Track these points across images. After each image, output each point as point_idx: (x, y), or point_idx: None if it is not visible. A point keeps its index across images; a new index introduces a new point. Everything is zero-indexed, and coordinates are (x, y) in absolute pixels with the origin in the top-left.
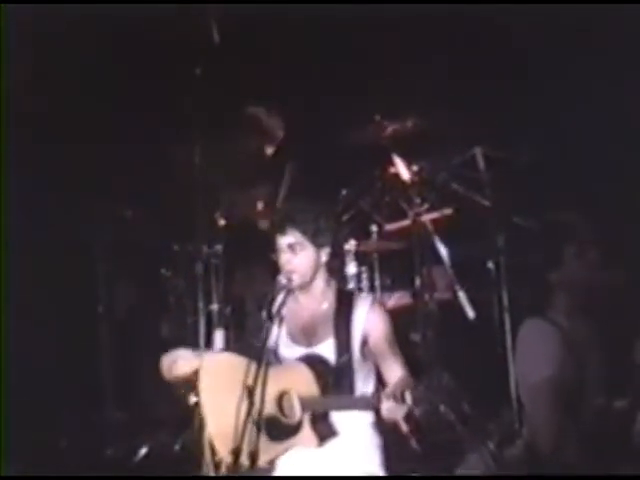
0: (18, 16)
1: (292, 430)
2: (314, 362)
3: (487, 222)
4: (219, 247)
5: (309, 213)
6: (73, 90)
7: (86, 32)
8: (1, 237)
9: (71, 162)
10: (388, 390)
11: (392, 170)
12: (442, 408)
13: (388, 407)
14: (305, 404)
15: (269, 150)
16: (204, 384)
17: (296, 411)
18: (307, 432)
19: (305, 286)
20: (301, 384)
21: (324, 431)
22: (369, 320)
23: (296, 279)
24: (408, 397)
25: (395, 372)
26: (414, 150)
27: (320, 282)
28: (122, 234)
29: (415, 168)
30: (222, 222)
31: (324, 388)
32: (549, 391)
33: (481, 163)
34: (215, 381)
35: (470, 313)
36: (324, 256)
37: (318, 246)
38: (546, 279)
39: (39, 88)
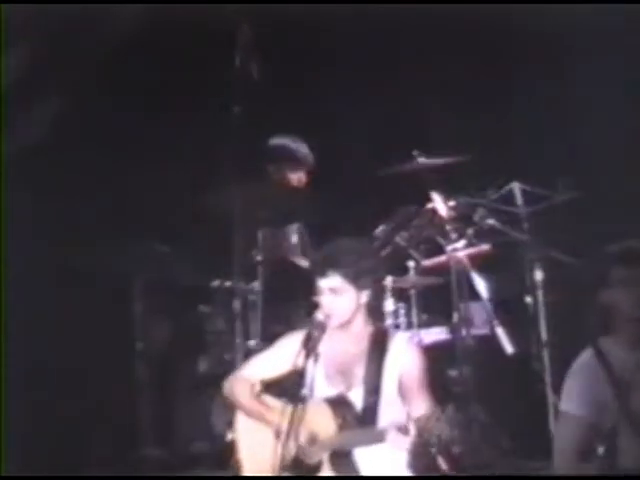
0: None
1: (312, 470)
2: (338, 404)
3: (525, 257)
4: (256, 284)
5: (351, 255)
6: (104, 120)
7: (118, 63)
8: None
9: (107, 197)
10: (398, 422)
11: (429, 205)
12: (480, 444)
13: (392, 437)
14: (321, 443)
15: (300, 177)
16: (240, 424)
17: (314, 451)
18: (327, 472)
19: (343, 326)
20: (319, 424)
21: (344, 470)
22: (404, 360)
23: (335, 320)
24: (412, 428)
25: (420, 411)
26: (451, 185)
27: (359, 322)
28: (160, 271)
29: (452, 203)
30: (259, 258)
31: (341, 427)
32: (565, 425)
33: (518, 198)
34: (251, 421)
35: (508, 349)
36: (364, 297)
37: (359, 288)
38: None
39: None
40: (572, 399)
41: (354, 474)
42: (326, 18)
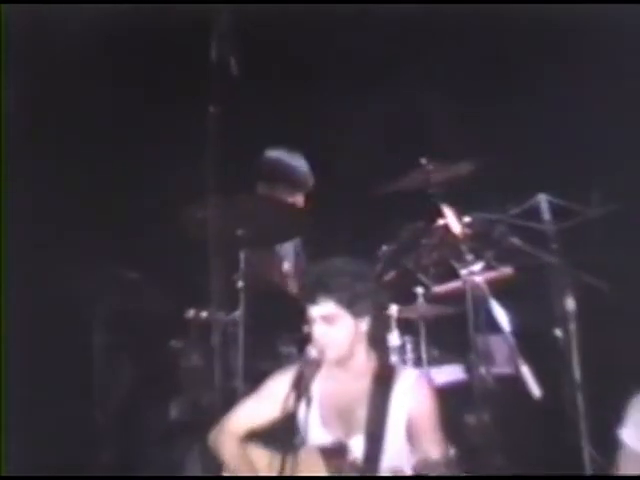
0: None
1: None
2: (334, 453)
3: (553, 282)
4: (238, 313)
5: (344, 277)
6: (72, 135)
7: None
8: None
9: (64, 211)
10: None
11: (440, 222)
12: None
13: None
14: None
15: (297, 200)
16: (227, 472)
17: None
18: None
19: (343, 361)
20: (312, 475)
21: None
22: (413, 401)
23: (331, 353)
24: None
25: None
26: (466, 198)
27: (360, 356)
28: (124, 299)
29: (467, 219)
30: (241, 284)
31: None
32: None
33: (546, 213)
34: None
35: (535, 391)
36: (364, 325)
37: (356, 315)
38: None
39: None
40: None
41: None
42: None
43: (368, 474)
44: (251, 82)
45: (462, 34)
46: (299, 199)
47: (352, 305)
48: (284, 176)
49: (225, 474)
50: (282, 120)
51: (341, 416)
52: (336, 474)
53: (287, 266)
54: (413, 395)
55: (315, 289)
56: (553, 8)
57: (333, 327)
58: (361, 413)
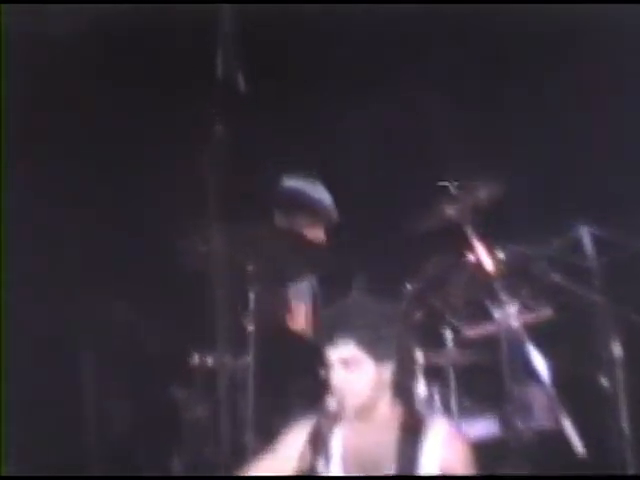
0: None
1: None
2: None
3: (598, 324)
4: (248, 359)
5: (366, 316)
6: (71, 160)
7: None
8: None
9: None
10: None
11: (471, 256)
12: None
13: None
14: None
15: (317, 235)
16: None
17: None
18: None
19: (364, 412)
20: None
21: None
22: (445, 455)
23: (351, 403)
24: None
25: None
26: (500, 230)
27: (383, 406)
28: (121, 341)
29: (501, 254)
30: (251, 326)
31: None
32: None
33: (589, 246)
34: None
35: (579, 447)
36: (387, 371)
37: (379, 359)
38: None
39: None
40: None
41: None
42: (337, 17)
43: None
44: (261, 98)
45: (482, 44)
46: (319, 234)
47: (375, 348)
48: (305, 208)
49: None
50: (296, 141)
51: (365, 471)
52: None
53: (302, 306)
54: (446, 449)
55: (334, 328)
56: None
57: (353, 372)
58: (389, 469)
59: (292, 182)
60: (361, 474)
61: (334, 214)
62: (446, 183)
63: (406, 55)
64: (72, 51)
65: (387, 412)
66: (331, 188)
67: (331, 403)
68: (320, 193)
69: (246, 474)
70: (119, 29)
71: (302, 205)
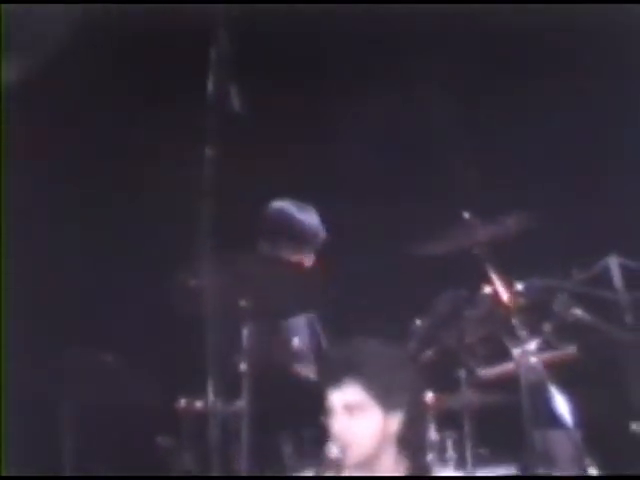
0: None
1: None
2: None
3: (628, 364)
4: (240, 403)
5: (377, 360)
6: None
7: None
8: None
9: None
10: None
11: (487, 289)
12: None
13: None
14: None
15: (304, 260)
16: None
17: None
18: None
19: (366, 465)
20: None
21: None
22: None
23: (353, 453)
24: None
25: None
26: (519, 261)
27: (388, 458)
28: (101, 387)
29: (520, 287)
30: (243, 366)
31: None
32: None
33: (617, 278)
34: None
35: None
36: (395, 423)
37: (387, 408)
38: None
39: None
40: None
41: None
42: (340, 27)
43: None
44: (256, 119)
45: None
46: (307, 259)
47: (384, 395)
48: (288, 231)
49: None
50: (293, 164)
51: None
52: None
53: (299, 344)
54: None
55: (340, 370)
56: None
57: (358, 419)
58: None
59: (277, 205)
60: None
61: (321, 234)
62: (463, 211)
63: (418, 73)
64: (61, 66)
65: (390, 466)
66: (330, 213)
67: (333, 450)
68: (304, 213)
69: None
70: (106, 44)
71: (286, 227)
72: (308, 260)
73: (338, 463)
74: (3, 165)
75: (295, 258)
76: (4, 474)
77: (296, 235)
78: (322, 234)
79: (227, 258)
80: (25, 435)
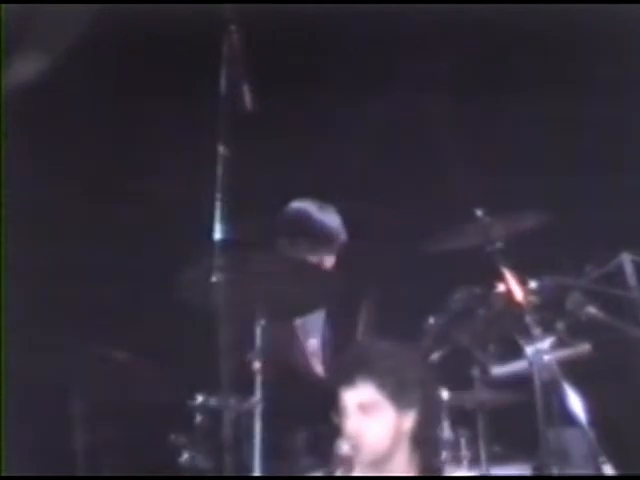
0: None
1: None
2: None
3: None
4: (255, 400)
5: (390, 359)
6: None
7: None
8: None
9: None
10: None
11: (501, 287)
12: None
13: None
14: None
15: (325, 261)
16: None
17: None
18: None
19: (379, 463)
20: None
21: None
22: None
23: (366, 453)
24: None
25: None
26: (532, 259)
27: (401, 458)
28: (112, 384)
29: (534, 284)
30: (257, 364)
31: None
32: None
33: (631, 275)
34: None
35: None
36: (408, 421)
37: (401, 407)
38: None
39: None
40: None
41: None
42: (353, 29)
43: None
44: (269, 117)
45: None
46: (327, 260)
47: (398, 394)
48: (308, 231)
49: None
50: (308, 164)
51: None
52: None
53: (313, 343)
54: None
55: (354, 369)
56: None
57: (371, 419)
58: None
59: (297, 205)
60: None
61: (342, 236)
62: (476, 210)
63: (431, 78)
64: (70, 65)
65: (403, 465)
66: (345, 211)
67: (344, 448)
68: (326, 214)
69: None
70: (119, 43)
71: (306, 227)
72: (328, 261)
73: (349, 460)
74: (3, 165)
75: (314, 259)
76: (4, 474)
77: (315, 235)
78: (343, 236)
79: (244, 256)
80: (35, 434)
